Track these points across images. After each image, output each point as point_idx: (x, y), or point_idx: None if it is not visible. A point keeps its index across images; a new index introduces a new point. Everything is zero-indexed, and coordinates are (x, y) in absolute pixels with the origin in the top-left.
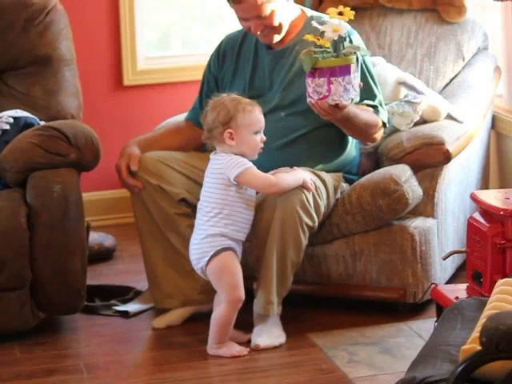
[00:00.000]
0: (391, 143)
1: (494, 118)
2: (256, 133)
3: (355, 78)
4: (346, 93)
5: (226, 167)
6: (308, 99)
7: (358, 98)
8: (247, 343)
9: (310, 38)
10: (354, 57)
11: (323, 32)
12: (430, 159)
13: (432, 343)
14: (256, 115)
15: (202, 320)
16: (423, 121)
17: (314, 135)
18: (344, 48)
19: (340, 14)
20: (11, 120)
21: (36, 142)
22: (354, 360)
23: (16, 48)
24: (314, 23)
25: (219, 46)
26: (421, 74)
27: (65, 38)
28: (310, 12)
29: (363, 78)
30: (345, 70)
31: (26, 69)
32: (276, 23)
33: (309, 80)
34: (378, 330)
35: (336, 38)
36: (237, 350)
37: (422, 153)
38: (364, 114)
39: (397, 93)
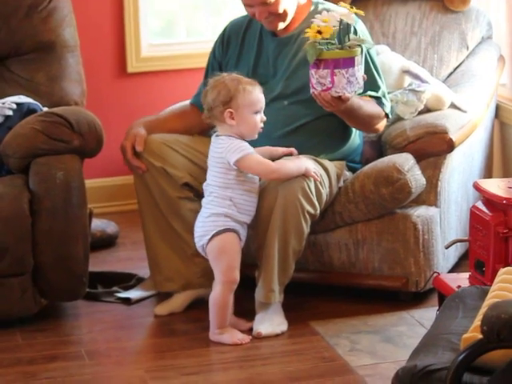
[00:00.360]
0: (394, 132)
1: (497, 107)
2: (256, 112)
3: (359, 70)
4: (350, 85)
5: (226, 151)
6: (311, 90)
7: (361, 91)
8: (249, 331)
9: (310, 33)
10: (359, 49)
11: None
12: (433, 148)
13: (433, 332)
14: (256, 95)
15: (204, 307)
16: (427, 110)
17: (317, 124)
18: (349, 40)
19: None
20: (14, 106)
21: (39, 128)
22: (355, 348)
23: (19, 34)
24: (317, 17)
25: (224, 32)
26: (425, 63)
27: (68, 25)
28: (315, 1)
29: (367, 69)
30: (349, 63)
31: (30, 55)
32: (281, 10)
33: (312, 71)
34: (379, 319)
35: (337, 25)
36: (239, 337)
37: (426, 141)
38: (367, 105)
39: (401, 81)
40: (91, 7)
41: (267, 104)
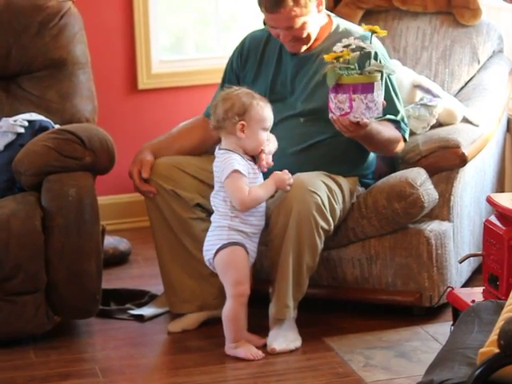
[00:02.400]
0: (407, 146)
1: (509, 121)
2: (264, 129)
3: (378, 96)
4: (368, 111)
5: (220, 165)
6: (330, 115)
7: (379, 116)
8: (263, 347)
9: (328, 57)
10: (378, 75)
11: (349, 45)
12: (445, 162)
13: (449, 346)
14: (268, 112)
15: (218, 324)
16: (439, 124)
17: (333, 142)
18: (369, 65)
19: (373, 31)
20: (26, 123)
21: (51, 145)
22: (369, 364)
23: (31, 51)
24: (339, 45)
25: (243, 44)
26: (436, 77)
27: (79, 42)
28: (336, 19)
29: (386, 93)
30: (368, 88)
31: (41, 72)
32: (305, 35)
33: (332, 95)
34: (393, 334)
35: (357, 50)
36: (252, 352)
37: (438, 156)
38: (386, 130)
39: (413, 96)
40: (102, 24)
41: (283, 120)
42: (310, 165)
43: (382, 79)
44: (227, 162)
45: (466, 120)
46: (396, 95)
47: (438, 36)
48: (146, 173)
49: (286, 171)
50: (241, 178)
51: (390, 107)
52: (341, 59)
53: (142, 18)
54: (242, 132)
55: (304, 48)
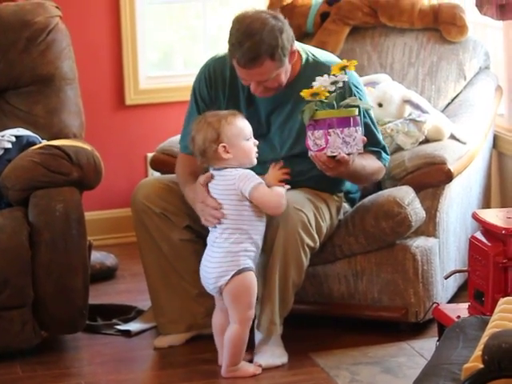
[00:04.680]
0: (393, 162)
1: (495, 138)
2: (247, 139)
3: (357, 131)
4: (346, 146)
5: (238, 181)
6: (309, 152)
7: (361, 151)
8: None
9: (305, 94)
10: (355, 109)
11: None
12: (431, 179)
13: (434, 362)
14: (241, 122)
15: (204, 340)
16: (426, 140)
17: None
18: (345, 100)
19: (343, 68)
20: (13, 139)
21: (38, 160)
22: (355, 380)
23: (18, 67)
24: (313, 84)
25: (207, 71)
26: (422, 94)
27: (67, 57)
28: (304, 51)
29: (366, 126)
30: (343, 122)
31: (28, 87)
32: (277, 85)
33: (309, 133)
34: (379, 350)
35: (332, 88)
36: (252, 369)
37: (424, 172)
38: (369, 164)
39: (402, 111)
40: (89, 40)
41: (261, 146)
42: (295, 177)
43: (360, 115)
44: (245, 177)
45: (453, 137)
46: (375, 126)
47: (425, 52)
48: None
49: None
50: (265, 187)
51: (370, 139)
52: (317, 96)
53: (129, 34)
54: (227, 153)
55: (273, 94)
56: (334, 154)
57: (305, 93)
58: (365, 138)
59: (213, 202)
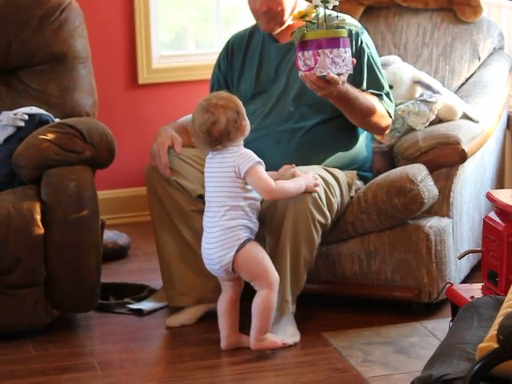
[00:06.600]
0: (406, 143)
1: (509, 118)
2: None
3: (346, 52)
4: (334, 66)
5: (238, 158)
6: (300, 73)
7: (350, 73)
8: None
9: (295, 17)
10: (344, 31)
11: (316, 5)
12: (445, 159)
13: (448, 341)
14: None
15: (215, 319)
16: (439, 120)
17: (323, 127)
18: (334, 21)
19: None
20: (26, 117)
21: (51, 138)
22: (368, 359)
23: (31, 45)
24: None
25: (227, 45)
26: (436, 74)
27: (80, 36)
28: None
29: (370, 68)
30: (333, 43)
31: (41, 66)
32: (279, 9)
33: (299, 54)
34: (392, 330)
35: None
36: (280, 341)
37: (438, 152)
38: (366, 99)
39: (412, 92)
40: (102, 19)
41: (272, 108)
42: (302, 150)
43: (351, 38)
44: (245, 155)
45: (465, 116)
46: (379, 72)
47: (439, 32)
48: (180, 149)
49: (317, 176)
50: (263, 169)
51: (373, 82)
52: (306, 17)
53: (142, 13)
54: (246, 130)
55: (277, 29)
56: (323, 74)
57: (294, 16)
58: (354, 60)
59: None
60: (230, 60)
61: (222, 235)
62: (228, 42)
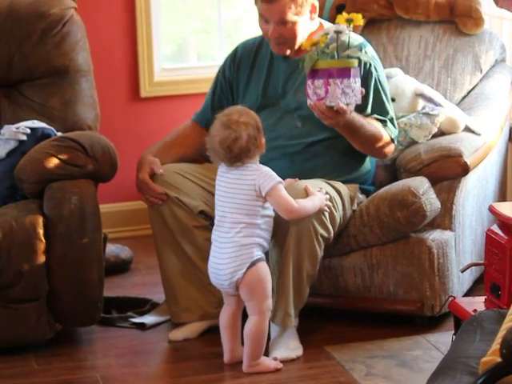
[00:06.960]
0: (409, 155)
1: (511, 130)
2: None
3: (356, 82)
4: (345, 96)
5: (259, 177)
6: (308, 101)
7: (359, 103)
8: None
9: (306, 44)
10: (355, 61)
11: (327, 33)
12: (447, 171)
13: (451, 355)
14: None
15: (218, 333)
16: (441, 133)
17: (329, 143)
18: (346, 51)
19: (348, 20)
20: (28, 131)
21: (53, 152)
22: (371, 373)
23: (33, 59)
24: (319, 33)
25: (235, 52)
26: (438, 86)
27: (82, 49)
28: (327, 25)
29: (376, 93)
30: (343, 73)
31: (43, 80)
32: (292, 36)
33: (309, 82)
34: (395, 343)
35: (334, 35)
36: (273, 364)
37: (440, 165)
38: (371, 126)
39: (415, 104)
40: (104, 32)
41: (277, 122)
42: (310, 165)
43: (360, 67)
44: (266, 174)
45: (468, 129)
46: (386, 96)
47: (441, 45)
48: (161, 168)
49: (327, 196)
50: (283, 188)
51: (378, 106)
52: (319, 45)
53: (144, 27)
54: (264, 147)
55: (288, 52)
56: (333, 104)
57: (306, 43)
58: (363, 90)
59: (157, 188)
60: (237, 68)
61: (236, 251)
62: (236, 50)
